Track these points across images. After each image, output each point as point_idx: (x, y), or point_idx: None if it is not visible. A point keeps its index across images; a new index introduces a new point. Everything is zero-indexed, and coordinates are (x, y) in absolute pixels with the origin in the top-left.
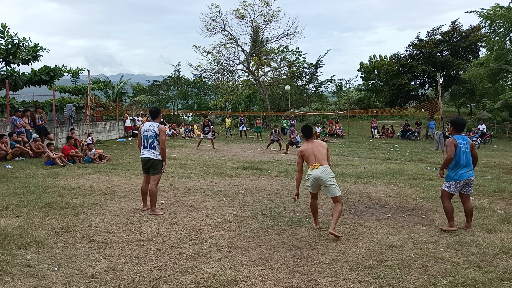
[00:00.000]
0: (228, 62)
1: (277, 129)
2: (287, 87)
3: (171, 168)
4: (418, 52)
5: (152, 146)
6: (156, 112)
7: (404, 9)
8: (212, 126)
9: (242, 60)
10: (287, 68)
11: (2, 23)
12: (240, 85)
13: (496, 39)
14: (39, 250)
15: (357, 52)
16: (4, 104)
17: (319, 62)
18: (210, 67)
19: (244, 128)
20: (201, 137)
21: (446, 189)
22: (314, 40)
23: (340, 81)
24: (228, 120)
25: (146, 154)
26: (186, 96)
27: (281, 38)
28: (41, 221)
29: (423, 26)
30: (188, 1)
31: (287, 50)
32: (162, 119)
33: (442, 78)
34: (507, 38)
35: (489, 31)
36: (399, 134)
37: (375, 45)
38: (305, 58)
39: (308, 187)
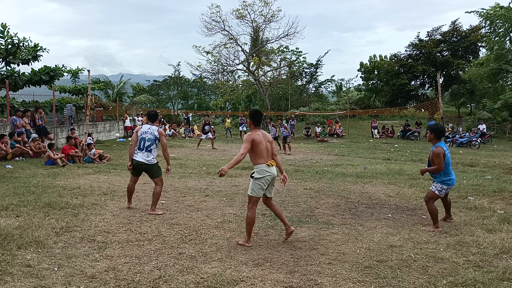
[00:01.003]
0: (228, 62)
1: (272, 121)
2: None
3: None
4: (418, 52)
5: (149, 149)
6: (155, 115)
7: (404, 9)
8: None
9: (242, 60)
10: (287, 68)
11: (2, 23)
12: (240, 85)
13: (496, 39)
14: (39, 250)
15: (357, 52)
16: (4, 104)
17: (319, 62)
18: (210, 67)
19: (244, 128)
20: (201, 137)
21: (437, 192)
22: (314, 40)
23: (340, 81)
24: (228, 120)
25: (139, 157)
26: (186, 96)
27: (281, 38)
28: (41, 221)
29: (423, 26)
30: (188, 1)
31: (287, 50)
32: (162, 119)
33: (442, 78)
34: (507, 38)
35: (489, 31)
36: (399, 134)
37: (375, 45)
38: (305, 58)
39: (261, 188)
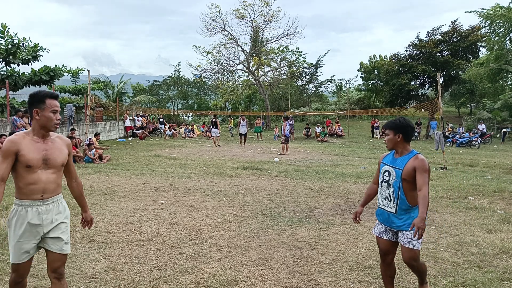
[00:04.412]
0: (228, 62)
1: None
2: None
3: (171, 168)
4: (418, 52)
5: None
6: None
7: (401, 9)
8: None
9: (242, 60)
10: (287, 68)
11: (2, 23)
12: (240, 85)
13: (496, 39)
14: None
15: (355, 53)
16: (4, 104)
17: (319, 62)
18: (210, 67)
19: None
20: (215, 135)
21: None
22: (312, 40)
23: (340, 81)
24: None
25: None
26: (186, 96)
27: (281, 38)
28: None
29: (420, 27)
30: (186, 2)
31: (287, 50)
32: (162, 119)
33: (442, 78)
34: (507, 38)
35: (489, 31)
36: None
37: (373, 45)
38: (305, 58)
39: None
